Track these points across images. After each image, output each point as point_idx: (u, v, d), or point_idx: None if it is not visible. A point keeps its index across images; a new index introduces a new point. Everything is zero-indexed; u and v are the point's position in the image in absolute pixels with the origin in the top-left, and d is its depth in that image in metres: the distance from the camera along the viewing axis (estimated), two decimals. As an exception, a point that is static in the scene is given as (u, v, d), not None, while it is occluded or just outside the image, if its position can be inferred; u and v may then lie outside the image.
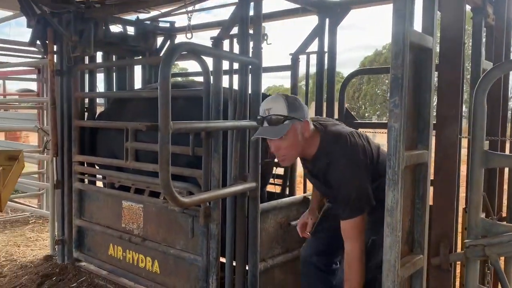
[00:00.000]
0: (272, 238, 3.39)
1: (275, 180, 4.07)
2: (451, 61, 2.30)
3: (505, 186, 3.14)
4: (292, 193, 4.09)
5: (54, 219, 4.80)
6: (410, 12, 2.14)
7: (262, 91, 3.21)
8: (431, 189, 2.38)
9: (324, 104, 4.12)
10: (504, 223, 2.40)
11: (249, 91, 3.11)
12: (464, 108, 3.43)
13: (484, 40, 3.23)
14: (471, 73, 3.08)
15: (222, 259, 3.27)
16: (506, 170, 3.07)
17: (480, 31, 3.06)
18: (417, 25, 2.40)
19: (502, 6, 3.08)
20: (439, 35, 2.35)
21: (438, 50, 2.38)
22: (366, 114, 47.82)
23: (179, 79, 5.86)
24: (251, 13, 3.14)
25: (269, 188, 4.10)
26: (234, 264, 3.20)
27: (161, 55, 4.91)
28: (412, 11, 2.27)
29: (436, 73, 2.45)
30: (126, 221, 3.87)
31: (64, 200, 4.46)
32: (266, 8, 3.77)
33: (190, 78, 5.38)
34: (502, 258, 2.65)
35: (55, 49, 4.35)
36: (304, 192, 4.21)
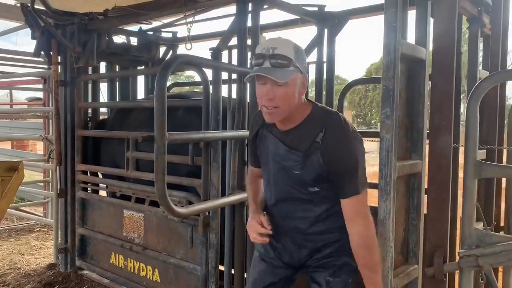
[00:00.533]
0: (271, 247, 3.40)
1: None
2: (444, 71, 2.32)
3: (503, 195, 3.14)
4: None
5: (57, 227, 4.85)
6: (402, 24, 2.18)
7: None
8: (425, 198, 2.39)
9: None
10: (497, 233, 2.40)
11: (248, 101, 3.15)
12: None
13: (481, 49, 3.25)
14: (468, 82, 3.10)
15: (221, 267, 3.29)
16: (504, 179, 3.07)
17: (476, 40, 3.08)
18: (411, 37, 2.43)
19: (498, 16, 3.10)
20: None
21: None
22: (373, 121, 47.67)
23: (186, 88, 5.91)
24: (250, 24, 3.18)
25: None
26: (232, 272, 3.22)
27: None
28: (405, 23, 2.30)
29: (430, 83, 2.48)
30: (128, 230, 3.91)
31: (68, 209, 4.52)
32: (266, 19, 3.83)
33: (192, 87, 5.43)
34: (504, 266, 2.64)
35: (59, 60, 4.43)
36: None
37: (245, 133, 3.09)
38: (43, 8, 4.16)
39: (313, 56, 4.05)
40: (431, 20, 2.44)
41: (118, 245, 3.96)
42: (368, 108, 50.40)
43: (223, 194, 3.18)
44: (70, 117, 4.40)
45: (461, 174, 2.66)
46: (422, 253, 2.37)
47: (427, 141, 2.44)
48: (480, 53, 3.28)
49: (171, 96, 4.05)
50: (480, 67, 3.20)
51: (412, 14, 2.60)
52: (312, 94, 4.26)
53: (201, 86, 3.60)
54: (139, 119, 4.02)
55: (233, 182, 3.12)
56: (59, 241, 4.74)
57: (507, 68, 3.24)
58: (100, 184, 4.41)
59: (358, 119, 49.80)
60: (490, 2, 3.13)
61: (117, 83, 4.95)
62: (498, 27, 3.09)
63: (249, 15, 3.17)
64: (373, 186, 4.65)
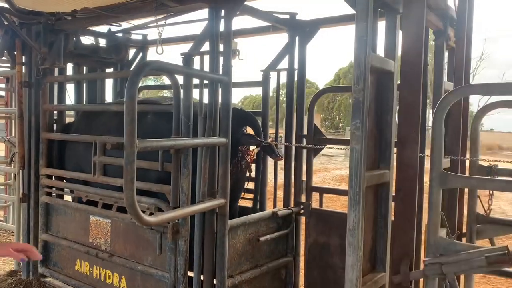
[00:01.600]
0: (241, 254, 3.40)
1: (246, 194, 4.09)
2: (411, 83, 2.38)
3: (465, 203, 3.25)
4: (262, 207, 4.12)
5: (19, 233, 4.68)
6: (371, 37, 2.22)
7: (238, 100, 3.25)
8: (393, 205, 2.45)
9: (294, 116, 4.17)
10: (461, 242, 2.48)
11: (219, 107, 3.13)
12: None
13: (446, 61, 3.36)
14: (433, 93, 3.20)
15: (190, 273, 3.26)
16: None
17: (442, 53, 3.18)
18: (380, 49, 2.49)
19: (462, 30, 3.21)
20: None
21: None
22: (340, 125, 48.49)
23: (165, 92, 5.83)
24: (222, 29, 3.17)
25: (242, 202, 4.12)
26: (201, 279, 3.19)
27: (131, 69, 4.88)
28: (375, 36, 2.35)
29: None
30: (94, 236, 3.82)
31: (30, 214, 4.37)
32: (237, 25, 3.83)
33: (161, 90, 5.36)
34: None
35: (23, 61, 4.29)
36: (274, 206, 4.24)
37: (216, 140, 3.07)
38: (6, 6, 4.01)
39: (284, 63, 4.08)
40: (399, 32, 2.51)
41: (84, 252, 3.87)
42: (336, 112, 51.23)
43: (193, 200, 3.15)
44: (34, 119, 4.26)
45: (427, 177, 2.74)
46: (389, 261, 2.42)
47: (395, 151, 2.49)
48: (445, 65, 3.39)
49: (140, 101, 3.99)
50: (445, 78, 3.30)
51: (381, 24, 2.66)
52: (283, 99, 4.29)
53: (171, 90, 3.58)
54: (108, 124, 3.93)
55: (204, 189, 3.10)
56: (21, 248, 4.57)
57: (470, 79, 3.35)
58: (65, 189, 4.28)
59: (327, 123, 50.54)
60: (454, 16, 3.24)
61: (85, 85, 4.84)
62: (463, 40, 3.20)
63: (222, 20, 3.16)
64: (340, 192, 4.68)
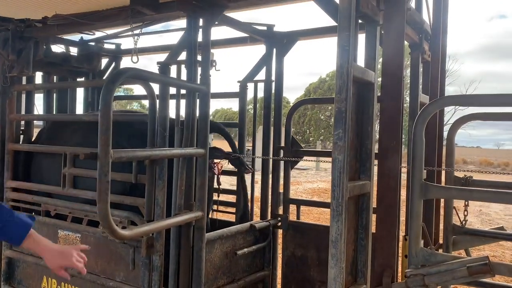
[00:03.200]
0: (218, 268, 3.31)
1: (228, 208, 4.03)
2: (391, 94, 2.40)
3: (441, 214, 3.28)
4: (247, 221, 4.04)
5: (-19, 249, 4.42)
6: (354, 48, 2.22)
7: (210, 113, 3.19)
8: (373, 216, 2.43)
9: (272, 128, 4.16)
10: (441, 252, 2.49)
11: (197, 118, 3.07)
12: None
13: (421, 74, 3.42)
14: (410, 105, 3.24)
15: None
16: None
17: (417, 65, 3.24)
18: (360, 59, 2.50)
19: (437, 44, 3.29)
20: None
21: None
22: (311, 139, 49.07)
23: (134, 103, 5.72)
24: (200, 39, 3.13)
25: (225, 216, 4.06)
26: (177, 296, 3.08)
27: (104, 78, 4.76)
28: (355, 47, 2.36)
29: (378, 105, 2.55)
30: (62, 252, 3.64)
31: (-7, 229, 4.13)
32: (215, 36, 3.79)
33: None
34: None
35: (-11, 68, 4.10)
36: (251, 219, 4.17)
37: (193, 151, 3.00)
38: (-28, 11, 3.85)
39: (261, 75, 4.07)
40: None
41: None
42: (307, 126, 51.87)
43: (168, 213, 3.06)
44: (0, 129, 4.06)
45: (403, 191, 2.75)
46: (370, 273, 2.40)
47: (375, 162, 2.49)
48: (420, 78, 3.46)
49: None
50: (420, 91, 3.36)
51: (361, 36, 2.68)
52: (260, 111, 4.27)
53: (141, 101, 3.50)
54: (78, 134, 3.79)
55: (180, 201, 3.01)
56: (-18, 265, 4.32)
57: (444, 91, 3.42)
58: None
59: (297, 137, 51.04)
60: (429, 30, 3.31)
61: (54, 95, 4.68)
62: (437, 54, 3.27)
63: (200, 30, 3.12)
64: (318, 204, 4.67)
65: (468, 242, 3.24)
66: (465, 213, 3.09)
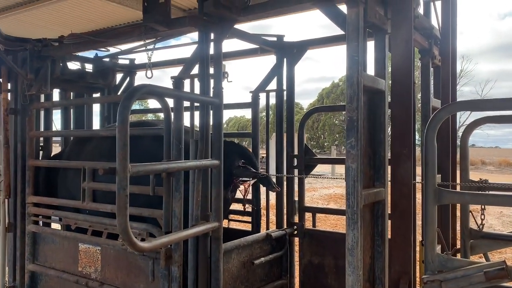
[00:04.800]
0: (235, 278, 3.34)
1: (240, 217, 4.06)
2: (402, 101, 2.42)
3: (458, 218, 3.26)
4: (257, 229, 4.08)
5: (4, 264, 4.53)
6: (363, 57, 2.26)
7: (223, 122, 3.25)
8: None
9: (285, 135, 4.20)
10: (458, 257, 2.48)
11: (211, 130, 3.13)
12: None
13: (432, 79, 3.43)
14: (421, 110, 3.25)
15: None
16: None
17: (428, 71, 3.25)
18: (370, 66, 2.53)
19: (446, 48, 3.29)
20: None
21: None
22: (326, 144, 48.86)
23: (150, 115, 5.83)
24: (211, 52, 3.19)
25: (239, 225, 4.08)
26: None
27: (119, 93, 4.87)
28: (365, 56, 2.39)
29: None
30: (83, 264, 3.72)
31: (17, 244, 4.24)
32: (226, 47, 3.86)
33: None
34: None
35: (9, 87, 4.23)
36: (267, 228, 4.21)
37: (208, 162, 3.05)
38: (-8, 33, 3.99)
39: (273, 84, 4.12)
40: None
41: (73, 281, 3.75)
42: (321, 131, 51.72)
43: (185, 225, 3.11)
44: (20, 147, 4.18)
45: (419, 194, 2.75)
46: (387, 279, 2.41)
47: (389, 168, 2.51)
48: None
49: (134, 124, 3.98)
50: (432, 96, 3.37)
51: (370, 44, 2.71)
52: (273, 120, 4.31)
53: (156, 114, 3.57)
54: (99, 149, 3.88)
55: (197, 213, 3.06)
56: (6, 279, 4.42)
57: (457, 95, 3.42)
58: (53, 217, 4.18)
59: (312, 142, 50.89)
60: (438, 35, 3.32)
61: (72, 110, 4.79)
62: (447, 58, 3.28)
63: (211, 43, 3.18)
64: (334, 211, 4.68)
65: (487, 246, 3.21)
66: (482, 216, 3.07)
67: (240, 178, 3.54)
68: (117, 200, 2.21)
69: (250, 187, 3.74)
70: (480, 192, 2.89)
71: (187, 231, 2.89)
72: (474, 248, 3.20)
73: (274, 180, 3.92)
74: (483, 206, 3.00)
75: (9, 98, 4.24)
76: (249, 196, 3.90)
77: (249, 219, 4.18)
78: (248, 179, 3.58)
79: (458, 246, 3.23)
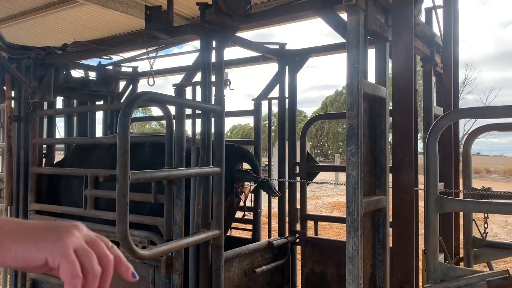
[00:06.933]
0: (237, 287, 3.32)
1: (242, 225, 4.04)
2: (403, 109, 2.41)
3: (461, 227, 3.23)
4: (257, 238, 4.05)
5: (6, 271, 4.53)
6: (363, 64, 2.25)
7: (227, 130, 3.24)
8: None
9: (287, 143, 4.19)
10: (461, 266, 2.45)
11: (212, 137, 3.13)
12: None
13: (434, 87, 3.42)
14: (424, 118, 3.24)
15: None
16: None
17: (430, 78, 3.24)
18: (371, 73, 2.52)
19: (448, 55, 3.29)
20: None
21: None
22: (329, 152, 48.78)
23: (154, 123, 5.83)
24: (213, 60, 3.20)
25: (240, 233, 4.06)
26: (197, 315, 3.10)
27: (122, 101, 4.89)
28: (365, 63, 2.39)
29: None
30: (84, 272, 3.70)
31: (18, 251, 4.23)
32: (228, 55, 3.88)
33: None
34: None
35: (12, 95, 4.26)
36: (269, 236, 4.18)
37: (209, 170, 3.05)
38: (-4, 41, 4.02)
39: (275, 92, 4.12)
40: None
41: (74, 289, 3.73)
42: (325, 139, 51.68)
43: (186, 232, 3.09)
44: (23, 154, 4.19)
45: (421, 202, 2.73)
46: (389, 288, 2.38)
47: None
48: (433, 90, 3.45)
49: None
50: (435, 103, 3.36)
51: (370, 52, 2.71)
52: (275, 128, 4.31)
53: (159, 121, 3.57)
54: (102, 158, 3.89)
55: (198, 220, 3.05)
56: (8, 287, 4.42)
57: (459, 103, 3.40)
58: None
59: (316, 150, 50.83)
60: (440, 43, 3.32)
61: (75, 118, 4.81)
62: (449, 66, 3.27)
63: (213, 51, 3.20)
64: (336, 220, 4.67)
65: (490, 255, 3.17)
66: (485, 225, 3.04)
67: (240, 183, 3.52)
68: (117, 207, 2.21)
69: (250, 192, 3.73)
70: (483, 200, 2.87)
71: (188, 239, 2.88)
72: (477, 257, 3.17)
73: (276, 186, 3.91)
74: (486, 215, 2.98)
75: (12, 105, 4.27)
76: (250, 203, 3.88)
77: (250, 227, 4.16)
78: (249, 183, 3.57)
79: (461, 255, 3.20)
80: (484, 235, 3.10)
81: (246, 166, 3.67)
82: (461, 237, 3.23)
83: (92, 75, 4.83)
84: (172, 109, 3.15)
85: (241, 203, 3.67)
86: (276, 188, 3.80)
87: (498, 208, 2.20)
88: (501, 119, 3.24)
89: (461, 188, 3.22)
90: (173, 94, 3.21)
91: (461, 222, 3.30)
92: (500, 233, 10.80)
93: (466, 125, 28.70)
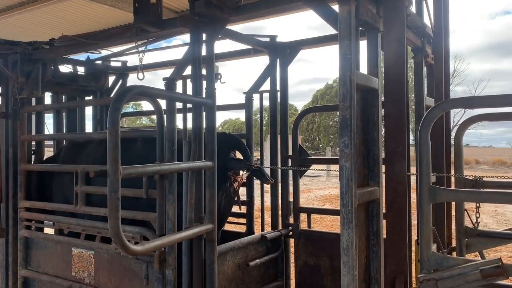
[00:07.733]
0: (231, 280, 3.31)
1: (235, 219, 4.03)
2: (395, 99, 2.41)
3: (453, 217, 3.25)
4: (250, 231, 4.05)
5: (-3, 270, 4.47)
6: (355, 55, 2.24)
7: (218, 125, 3.22)
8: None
9: (279, 137, 4.18)
10: (454, 255, 2.47)
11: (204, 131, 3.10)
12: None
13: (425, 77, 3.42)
14: (415, 108, 3.24)
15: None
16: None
17: (421, 69, 3.24)
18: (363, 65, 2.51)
19: (439, 46, 3.29)
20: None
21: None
22: (321, 145, 48.94)
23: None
24: (203, 53, 3.17)
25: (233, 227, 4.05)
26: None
27: (111, 96, 4.83)
28: (357, 54, 2.38)
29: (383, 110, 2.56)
30: (76, 269, 3.67)
31: (9, 249, 4.19)
32: (218, 48, 3.84)
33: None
34: None
35: (0, 91, 4.19)
36: (262, 230, 4.18)
37: (201, 164, 3.02)
38: (-18, 36, 3.94)
39: (266, 85, 4.10)
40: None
41: (66, 286, 3.70)
42: (316, 132, 51.80)
43: (179, 227, 3.08)
44: (12, 151, 4.13)
45: (413, 194, 2.74)
46: (383, 279, 2.39)
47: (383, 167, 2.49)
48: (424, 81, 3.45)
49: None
50: (426, 94, 3.36)
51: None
52: (267, 121, 4.29)
53: (150, 116, 3.53)
54: (94, 154, 3.85)
55: (190, 215, 3.03)
56: (-1, 285, 4.37)
57: (450, 94, 3.41)
58: (46, 222, 4.14)
59: (307, 144, 50.93)
60: (431, 34, 3.32)
61: (64, 114, 4.75)
62: (440, 56, 3.28)
63: (203, 44, 3.16)
64: (329, 212, 4.66)
65: (482, 244, 3.20)
66: (477, 215, 3.06)
67: (234, 171, 3.49)
68: (108, 203, 2.18)
69: (244, 180, 3.71)
70: (474, 189, 2.89)
71: (181, 234, 2.86)
72: (469, 247, 3.19)
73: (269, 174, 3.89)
74: (478, 204, 3.00)
75: (0, 102, 4.20)
76: (243, 195, 3.87)
77: (243, 220, 4.15)
78: (242, 171, 3.55)
79: (454, 244, 3.22)
80: (475, 224, 3.12)
81: (238, 155, 3.65)
82: (453, 227, 3.25)
83: (81, 70, 4.77)
84: (163, 104, 3.11)
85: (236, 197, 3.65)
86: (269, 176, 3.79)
87: (490, 197, 2.21)
88: (491, 108, 3.26)
89: (453, 179, 3.24)
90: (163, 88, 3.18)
91: (453, 212, 3.33)
92: (490, 222, 10.93)
93: (455, 117, 28.93)
